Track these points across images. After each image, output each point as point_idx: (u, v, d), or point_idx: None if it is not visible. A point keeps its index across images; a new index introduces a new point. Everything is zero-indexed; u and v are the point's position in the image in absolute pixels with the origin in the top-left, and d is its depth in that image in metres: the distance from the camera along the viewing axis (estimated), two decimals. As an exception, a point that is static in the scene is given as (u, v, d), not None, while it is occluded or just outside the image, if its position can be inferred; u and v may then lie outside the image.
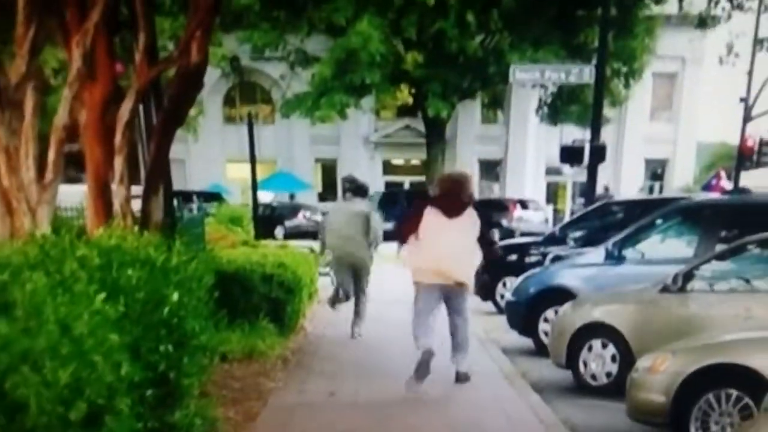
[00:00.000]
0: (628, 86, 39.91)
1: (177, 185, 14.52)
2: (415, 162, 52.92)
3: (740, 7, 34.58)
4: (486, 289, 16.90)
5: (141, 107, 10.70)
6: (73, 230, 5.83)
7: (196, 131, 41.69)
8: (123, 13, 9.92)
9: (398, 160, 55.94)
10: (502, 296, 15.74)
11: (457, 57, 36.97)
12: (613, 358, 10.14)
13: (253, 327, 11.32)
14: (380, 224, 13.13)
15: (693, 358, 7.51)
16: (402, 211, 28.09)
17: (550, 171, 50.81)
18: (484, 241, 10.01)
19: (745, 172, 31.93)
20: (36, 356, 3.47)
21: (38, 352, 3.48)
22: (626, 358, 9.72)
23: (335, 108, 38.11)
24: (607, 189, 40.62)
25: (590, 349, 10.33)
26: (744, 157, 33.32)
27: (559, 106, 41.47)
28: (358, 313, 13.29)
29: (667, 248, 12.12)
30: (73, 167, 12.84)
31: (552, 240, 16.93)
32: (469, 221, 9.75)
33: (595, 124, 22.18)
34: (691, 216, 12.45)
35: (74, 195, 12.04)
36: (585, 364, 10.37)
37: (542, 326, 12.61)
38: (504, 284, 16.44)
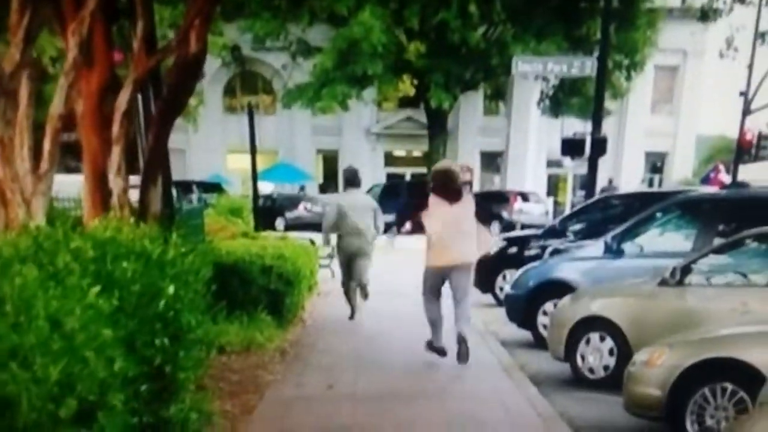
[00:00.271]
0: (629, 79, 40.12)
1: (177, 175, 14.47)
2: (416, 153, 52.87)
3: (742, 0, 34.59)
4: (485, 281, 16.85)
5: (140, 96, 10.65)
6: (68, 221, 5.74)
7: (196, 121, 41.52)
8: (121, 1, 9.84)
9: (400, 152, 55.84)
10: (502, 289, 15.74)
11: (459, 48, 36.97)
12: (611, 352, 10.13)
13: (251, 319, 11.30)
14: (382, 217, 14.01)
15: (689, 352, 7.53)
16: (403, 204, 28.05)
17: (551, 163, 50.76)
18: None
19: (744, 166, 31.93)
20: (26, 352, 3.40)
21: (28, 348, 3.41)
22: (624, 351, 9.74)
23: (337, 99, 38.12)
24: (611, 181, 40.74)
25: (588, 342, 10.32)
26: (743, 151, 33.39)
27: (560, 99, 41.56)
28: (364, 296, 14.01)
29: (665, 242, 12.10)
30: (71, 157, 12.78)
31: (552, 233, 16.88)
32: (468, 205, 10.65)
33: (597, 116, 22.27)
34: (689, 210, 12.46)
35: (72, 185, 11.94)
36: (583, 358, 10.37)
37: (541, 319, 12.60)
38: (504, 277, 16.42)
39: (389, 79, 40.06)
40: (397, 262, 14.62)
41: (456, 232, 10.46)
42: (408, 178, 51.34)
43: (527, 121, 51.83)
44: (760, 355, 7.07)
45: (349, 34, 35.94)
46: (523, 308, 12.89)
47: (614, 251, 12.15)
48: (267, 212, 34.29)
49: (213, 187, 38.27)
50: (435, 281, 10.78)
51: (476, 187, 47.90)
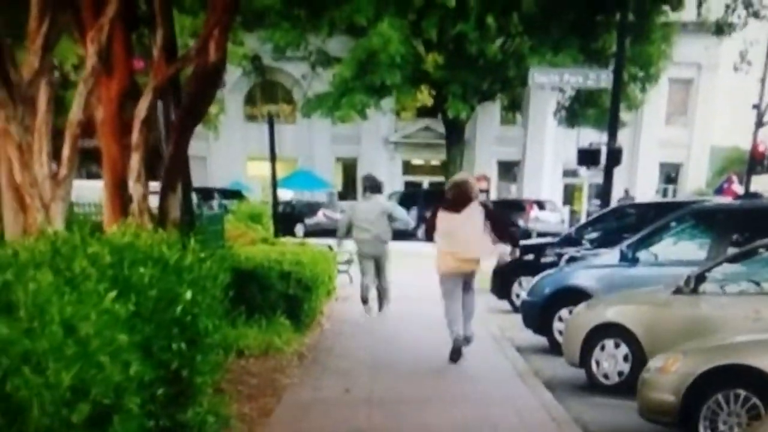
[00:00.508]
0: (644, 91, 40.07)
1: (198, 182, 14.44)
2: (434, 162, 52.79)
3: (756, 15, 34.54)
4: (502, 288, 16.88)
5: (161, 104, 10.62)
6: (86, 227, 5.68)
7: (217, 129, 41.58)
8: (141, 10, 9.82)
9: (418, 161, 55.75)
10: (518, 295, 15.73)
11: (477, 59, 36.96)
12: (626, 358, 10.07)
13: (270, 323, 11.24)
14: (402, 211, 14.87)
15: (703, 358, 7.50)
16: (420, 211, 28.17)
17: (567, 173, 50.67)
18: (502, 225, 11.68)
19: (756, 177, 31.92)
20: (39, 357, 3.33)
21: (41, 354, 3.35)
22: (638, 357, 9.68)
23: (355, 108, 38.13)
24: (627, 192, 40.62)
25: (603, 348, 10.27)
26: (755, 162, 33.36)
27: (576, 110, 41.45)
28: (384, 293, 14.72)
29: (679, 251, 12.04)
30: (93, 163, 12.77)
31: (568, 241, 16.82)
32: (474, 212, 11.04)
33: (612, 127, 22.23)
34: (703, 219, 12.41)
35: (94, 191, 11.94)
36: (598, 363, 10.30)
37: (557, 325, 12.51)
38: (520, 283, 16.30)
39: (407, 90, 40.01)
40: (412, 268, 14.55)
41: (463, 239, 10.94)
42: (425, 186, 51.29)
43: (543, 131, 51.73)
44: (772, 361, 7.06)
45: (368, 44, 35.94)
46: (538, 315, 12.81)
47: (629, 259, 12.08)
48: (287, 218, 34.31)
49: (233, 194, 38.20)
50: (450, 285, 11.15)
51: (493, 196, 47.91)
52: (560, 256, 15.29)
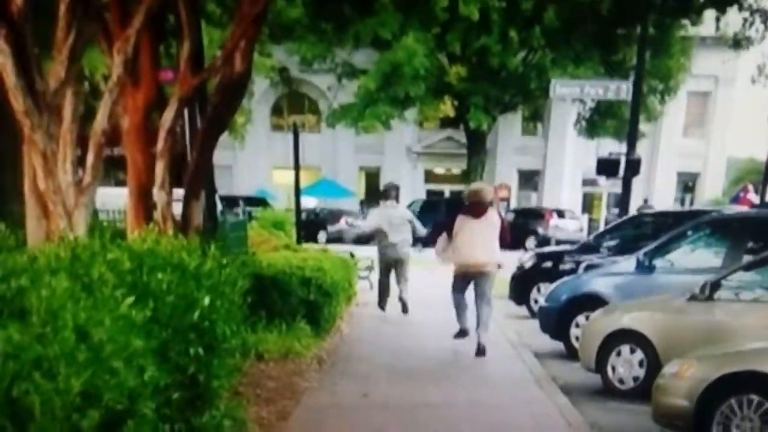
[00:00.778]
0: (663, 103, 40.37)
1: (223, 190, 14.48)
2: (455, 171, 52.72)
3: (773, 28, 34.49)
4: (520, 294, 16.86)
5: (187, 113, 10.62)
6: (107, 233, 5.66)
7: (244, 138, 41.77)
8: (169, 22, 9.82)
9: (439, 169, 55.78)
10: (536, 301, 15.67)
11: (499, 72, 37.15)
12: (641, 363, 10.02)
13: (290, 328, 11.17)
14: (418, 222, 15.48)
15: (717, 365, 7.46)
16: (442, 218, 28.44)
17: (586, 182, 50.53)
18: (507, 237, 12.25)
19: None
20: (50, 363, 3.28)
21: (52, 359, 3.30)
22: (653, 363, 9.63)
23: (379, 119, 38.34)
24: (646, 201, 40.56)
25: (619, 354, 10.22)
26: (770, 172, 33.10)
27: (596, 121, 41.43)
28: (404, 292, 15.28)
29: (696, 259, 12.00)
30: (121, 171, 12.78)
31: (586, 248, 16.72)
32: (491, 220, 11.87)
33: (631, 138, 22.24)
34: (719, 228, 12.40)
35: (120, 198, 11.97)
36: (613, 369, 10.26)
37: (573, 331, 12.45)
38: (538, 290, 16.23)
39: (430, 101, 40.21)
40: (432, 275, 14.53)
41: (478, 243, 11.70)
42: (447, 194, 51.24)
43: (564, 142, 51.70)
44: (785, 368, 7.03)
45: (393, 57, 36.12)
46: (556, 320, 12.78)
47: (646, 267, 12.04)
48: (310, 225, 34.36)
49: (258, 202, 38.32)
50: (461, 284, 12.16)
51: (513, 204, 47.89)
52: (578, 263, 15.22)
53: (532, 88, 38.00)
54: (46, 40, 7.45)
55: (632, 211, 24.47)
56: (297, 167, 23.86)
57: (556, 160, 52.82)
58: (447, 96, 41.20)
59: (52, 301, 3.63)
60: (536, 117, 52.83)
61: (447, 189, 53.08)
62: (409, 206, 39.36)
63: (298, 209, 24.63)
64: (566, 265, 15.94)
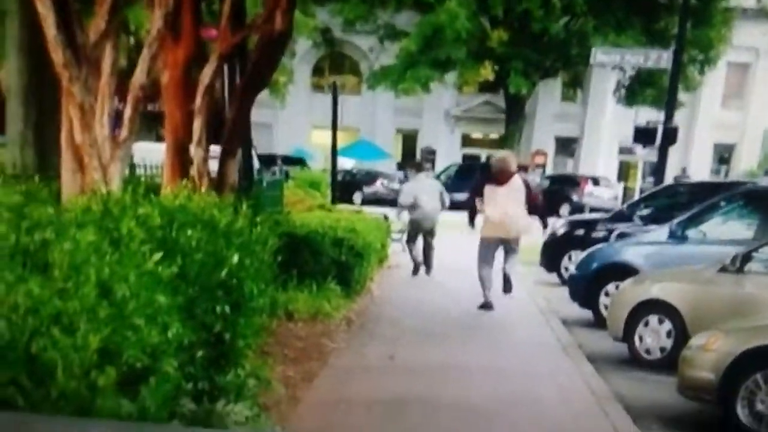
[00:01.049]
0: (702, 73, 40.07)
1: (262, 149, 14.43)
2: (493, 136, 52.32)
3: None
4: (551, 261, 16.74)
5: (227, 71, 10.57)
6: (140, 188, 5.60)
7: (284, 98, 41.72)
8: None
9: (477, 134, 55.36)
10: (567, 269, 15.56)
11: (541, 37, 36.96)
12: (669, 334, 9.92)
13: (320, 288, 11.09)
14: (447, 195, 15.72)
15: (744, 338, 7.40)
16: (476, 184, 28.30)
17: (622, 150, 49.69)
18: (536, 202, 12.73)
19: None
20: (70, 318, 3.23)
21: (72, 315, 3.24)
22: (681, 334, 9.53)
23: (419, 81, 38.26)
24: (684, 170, 40.17)
25: (647, 324, 10.12)
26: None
27: (636, 89, 40.94)
28: (430, 258, 15.67)
29: (728, 230, 11.86)
30: (163, 126, 12.80)
31: (619, 217, 16.53)
32: (515, 186, 12.20)
33: (669, 107, 22.00)
34: (753, 200, 12.21)
35: (160, 153, 12.00)
36: (641, 338, 10.17)
37: (603, 300, 12.30)
38: (569, 257, 16.07)
39: (471, 65, 39.98)
40: (463, 239, 14.45)
41: (505, 210, 12.03)
42: (483, 159, 50.99)
43: (603, 109, 51.14)
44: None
45: (435, 20, 35.97)
46: (585, 289, 12.63)
47: (678, 237, 11.92)
48: (346, 186, 34.32)
49: (296, 161, 38.34)
50: (487, 250, 12.40)
51: (549, 170, 47.60)
52: (610, 231, 15.08)
53: (573, 54, 37.77)
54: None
55: (669, 180, 24.27)
56: (335, 128, 23.79)
57: (594, 127, 52.32)
58: (487, 60, 40.87)
59: (76, 255, 3.58)
60: (576, 84, 52.25)
61: (484, 154, 52.74)
62: (445, 171, 39.33)
63: (334, 170, 24.56)
64: (598, 234, 15.80)
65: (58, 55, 6.47)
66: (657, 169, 22.29)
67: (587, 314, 12.65)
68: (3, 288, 3.14)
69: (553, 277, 16.45)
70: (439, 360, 9.12)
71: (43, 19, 6.43)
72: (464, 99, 54.24)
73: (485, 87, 50.40)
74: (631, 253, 12.42)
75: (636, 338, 10.19)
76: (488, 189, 12.23)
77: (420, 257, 15.63)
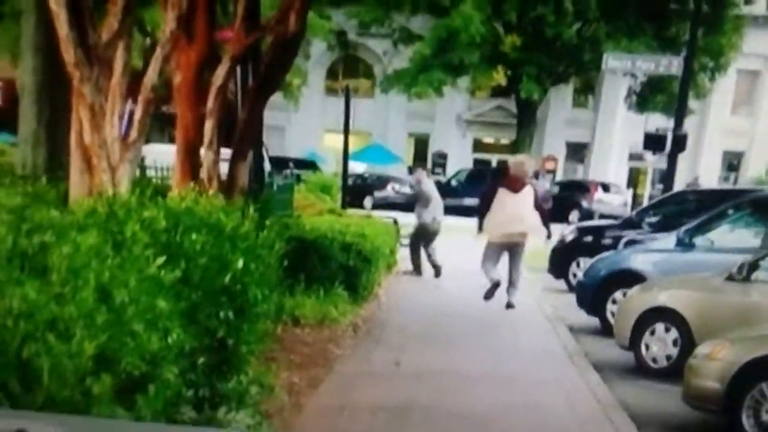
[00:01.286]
0: (713, 80, 40.12)
1: (274, 152, 14.37)
2: (504, 141, 52.19)
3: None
4: (559, 267, 16.55)
5: (239, 73, 10.51)
6: (147, 190, 5.54)
7: (298, 101, 41.71)
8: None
9: (488, 139, 55.24)
10: (575, 275, 15.44)
11: (554, 42, 37.02)
12: (675, 342, 9.86)
13: (328, 294, 10.97)
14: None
15: (750, 347, 7.37)
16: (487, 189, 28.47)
17: (632, 157, 49.75)
18: (542, 210, 12.79)
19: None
20: (66, 324, 3.14)
21: (68, 320, 3.16)
22: (687, 343, 9.43)
23: (432, 85, 38.38)
24: (697, 178, 40.17)
25: (653, 332, 10.07)
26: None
27: (647, 95, 40.90)
28: (434, 258, 15.84)
29: (736, 238, 11.85)
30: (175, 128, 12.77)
31: (628, 224, 16.45)
32: (528, 194, 12.47)
33: (679, 114, 21.93)
34: (760, 208, 12.21)
35: (172, 155, 11.97)
36: (647, 347, 10.10)
37: (610, 307, 12.22)
38: (578, 264, 15.97)
39: (484, 69, 40.03)
40: (471, 243, 14.35)
41: (514, 215, 12.28)
42: (494, 164, 50.85)
43: (614, 115, 51.03)
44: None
45: (450, 23, 36.12)
46: (593, 296, 12.56)
47: (686, 244, 11.88)
48: (357, 190, 34.19)
49: (308, 165, 38.24)
50: (493, 253, 12.76)
51: (559, 176, 47.54)
52: (619, 238, 15.00)
53: (586, 60, 37.89)
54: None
55: (680, 186, 24.21)
56: (347, 131, 23.67)
57: (605, 133, 52.21)
58: (500, 65, 40.84)
59: (75, 259, 3.50)
60: (587, 90, 52.26)
61: (495, 159, 52.61)
62: (455, 175, 39.36)
63: (345, 174, 24.46)
64: (607, 240, 15.71)
65: (69, 54, 6.41)
66: (666, 176, 22.30)
67: (594, 322, 12.57)
68: (-2, 292, 3.06)
69: (561, 284, 16.33)
70: (444, 367, 9.04)
71: (56, 17, 6.37)
72: (476, 103, 54.17)
73: (497, 92, 50.30)
74: (638, 261, 12.37)
75: (642, 346, 10.13)
76: (502, 193, 12.40)
77: (422, 261, 15.80)
